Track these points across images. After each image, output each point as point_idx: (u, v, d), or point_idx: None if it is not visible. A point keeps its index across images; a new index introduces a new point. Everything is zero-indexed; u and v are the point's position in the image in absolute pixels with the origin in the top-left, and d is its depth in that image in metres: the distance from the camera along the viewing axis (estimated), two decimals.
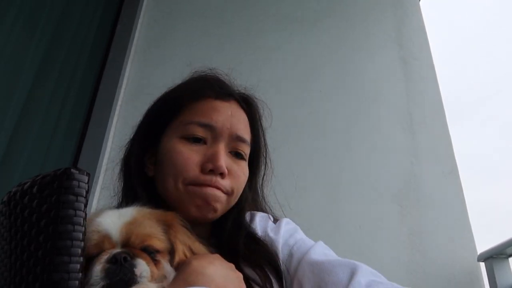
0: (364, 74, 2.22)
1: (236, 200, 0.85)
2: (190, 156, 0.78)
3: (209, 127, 0.80)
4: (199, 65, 0.97)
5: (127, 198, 0.85)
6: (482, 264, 1.70)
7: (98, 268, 0.57)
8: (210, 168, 0.78)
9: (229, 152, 0.84)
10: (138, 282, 0.57)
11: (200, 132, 0.80)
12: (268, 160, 0.96)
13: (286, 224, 0.91)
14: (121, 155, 0.95)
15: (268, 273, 0.79)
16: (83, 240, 0.55)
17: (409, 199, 1.86)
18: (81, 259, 0.54)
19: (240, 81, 2.27)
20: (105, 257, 0.58)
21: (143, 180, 0.84)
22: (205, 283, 0.60)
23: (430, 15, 2.52)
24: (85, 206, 0.56)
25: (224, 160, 0.79)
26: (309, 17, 2.39)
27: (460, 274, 1.69)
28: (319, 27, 2.36)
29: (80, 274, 0.54)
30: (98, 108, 2.11)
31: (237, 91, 0.93)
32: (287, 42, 2.31)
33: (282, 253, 0.82)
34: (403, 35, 2.31)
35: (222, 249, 0.79)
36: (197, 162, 0.79)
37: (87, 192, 0.57)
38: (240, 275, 0.68)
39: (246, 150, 0.87)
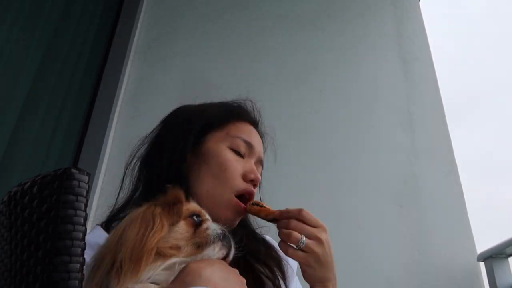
0: (364, 74, 2.22)
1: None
2: (237, 166, 0.91)
3: (250, 146, 0.95)
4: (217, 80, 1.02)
5: (147, 191, 0.90)
6: (482, 264, 1.70)
7: (216, 225, 0.72)
8: (252, 178, 0.91)
9: None
10: (231, 252, 0.72)
11: (243, 148, 0.94)
12: (259, 189, 1.05)
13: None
14: (134, 152, 0.98)
15: (280, 279, 0.86)
16: (83, 240, 0.55)
17: (409, 199, 1.86)
18: (81, 259, 0.54)
19: (241, 80, 2.29)
20: (214, 224, 0.73)
21: (175, 176, 0.89)
22: (202, 284, 0.60)
23: (430, 15, 2.52)
24: (85, 206, 0.56)
25: (258, 174, 0.94)
26: (309, 17, 2.39)
27: (460, 273, 1.69)
28: (319, 27, 2.36)
29: (80, 274, 0.54)
30: (98, 108, 2.11)
31: (260, 126, 1.07)
32: (287, 42, 2.31)
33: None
34: (403, 35, 2.31)
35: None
36: (240, 171, 0.91)
37: (87, 192, 0.57)
38: (244, 280, 0.68)
39: (261, 173, 1.00)
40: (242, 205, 0.89)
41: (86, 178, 0.57)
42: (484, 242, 1.74)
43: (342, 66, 2.24)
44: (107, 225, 0.87)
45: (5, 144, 1.60)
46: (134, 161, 0.98)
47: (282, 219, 0.84)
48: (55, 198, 0.55)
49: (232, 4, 2.45)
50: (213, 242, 0.69)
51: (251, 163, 0.93)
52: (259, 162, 0.98)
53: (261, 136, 1.04)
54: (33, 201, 0.57)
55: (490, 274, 1.63)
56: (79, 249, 0.54)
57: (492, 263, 1.62)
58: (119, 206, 0.94)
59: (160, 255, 0.62)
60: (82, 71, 2.11)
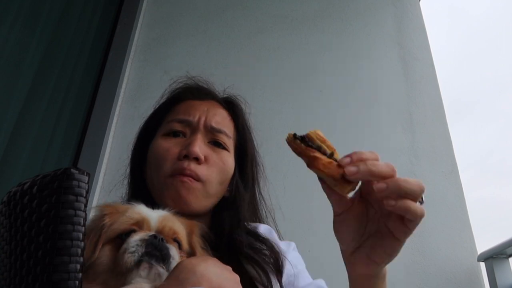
0: (364, 74, 2.22)
1: (214, 190, 0.87)
2: (169, 148, 0.85)
3: (186, 122, 0.88)
4: (196, 70, 1.03)
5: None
6: (482, 264, 1.70)
7: (138, 238, 0.61)
8: (185, 154, 0.83)
9: (208, 142, 0.89)
10: (170, 262, 0.62)
11: (179, 127, 0.88)
12: (260, 162, 1.01)
13: (294, 250, 0.99)
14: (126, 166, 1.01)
15: (270, 273, 0.82)
16: (83, 240, 0.55)
17: None
18: (81, 259, 0.54)
19: (241, 81, 2.28)
20: (144, 233, 0.62)
21: (139, 180, 0.92)
22: (195, 281, 0.59)
23: (430, 15, 2.52)
24: (85, 206, 0.56)
25: (199, 147, 0.85)
26: (309, 17, 2.39)
27: (460, 274, 1.69)
28: (319, 27, 2.36)
29: (80, 274, 0.53)
30: (98, 108, 2.11)
31: (216, 93, 1.02)
32: (287, 42, 2.31)
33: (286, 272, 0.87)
34: (403, 35, 2.31)
35: (221, 248, 0.81)
36: (176, 152, 0.85)
37: (87, 192, 0.57)
38: (237, 277, 0.66)
39: (225, 140, 0.91)
40: (178, 176, 0.82)
41: (86, 178, 0.57)
42: (484, 242, 1.74)
43: (342, 66, 2.24)
44: None
45: (5, 144, 1.59)
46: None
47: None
48: (55, 198, 0.54)
49: (232, 4, 2.45)
50: (135, 266, 0.59)
51: (192, 138, 0.86)
52: (212, 130, 0.89)
53: (222, 103, 0.98)
54: (33, 201, 0.56)
55: (490, 274, 1.63)
56: (79, 249, 0.54)
57: (493, 263, 1.62)
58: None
59: None
60: (82, 71, 2.11)
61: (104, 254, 0.61)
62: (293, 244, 0.99)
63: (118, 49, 2.28)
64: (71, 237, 0.53)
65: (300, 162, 2.13)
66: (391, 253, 0.58)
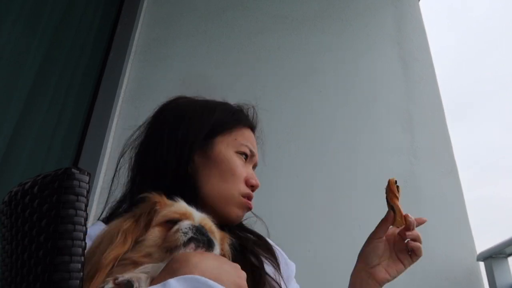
0: (363, 74, 2.22)
1: None
2: (242, 171, 0.96)
3: (252, 153, 1.00)
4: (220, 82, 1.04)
5: (145, 184, 0.88)
6: (482, 264, 1.70)
7: (188, 223, 0.68)
8: (252, 184, 0.97)
9: None
10: (214, 249, 0.69)
11: (248, 153, 0.99)
12: None
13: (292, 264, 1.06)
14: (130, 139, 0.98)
15: (276, 269, 0.90)
16: (84, 239, 0.55)
17: (409, 199, 1.86)
18: (82, 258, 0.54)
19: (241, 81, 2.29)
20: (191, 222, 0.69)
21: (181, 177, 0.91)
22: (187, 271, 0.59)
23: (430, 15, 2.52)
24: (86, 206, 0.56)
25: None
26: (309, 17, 2.40)
27: (460, 273, 1.69)
28: (319, 28, 2.36)
29: (81, 273, 0.54)
30: (98, 108, 2.11)
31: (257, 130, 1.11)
32: (287, 42, 2.31)
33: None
34: (402, 35, 2.31)
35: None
36: (244, 176, 0.97)
37: (88, 192, 0.57)
38: (243, 274, 0.68)
39: None
40: (250, 203, 0.95)
41: (86, 178, 0.57)
42: (483, 242, 1.74)
43: (341, 66, 2.24)
44: (108, 219, 0.88)
45: (5, 144, 1.60)
46: (129, 152, 0.98)
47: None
48: (55, 198, 0.55)
49: (232, 4, 2.45)
50: (183, 245, 0.66)
51: (250, 168, 1.00)
52: (255, 167, 1.04)
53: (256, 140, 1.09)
54: (34, 201, 0.57)
55: (489, 274, 1.63)
56: (80, 249, 0.54)
57: (492, 263, 1.63)
58: (117, 200, 0.94)
59: (136, 264, 0.63)
60: (83, 71, 2.11)
61: (153, 233, 0.67)
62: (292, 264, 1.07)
63: (118, 49, 2.28)
64: (72, 237, 0.54)
65: (300, 162, 2.13)
66: (399, 272, 0.97)
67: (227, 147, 0.96)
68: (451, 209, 1.84)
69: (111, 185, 0.98)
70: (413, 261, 0.96)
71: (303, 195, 1.88)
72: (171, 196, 0.77)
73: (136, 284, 0.58)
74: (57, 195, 0.55)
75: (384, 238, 0.96)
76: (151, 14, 2.46)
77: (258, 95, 2.13)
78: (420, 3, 2.49)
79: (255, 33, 2.34)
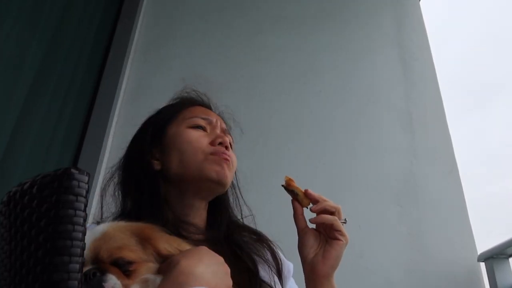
0: (363, 74, 2.22)
1: (232, 178, 0.98)
2: (200, 136, 0.94)
3: (208, 120, 0.98)
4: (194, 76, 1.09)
5: (134, 201, 0.92)
6: (483, 264, 1.70)
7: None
8: (219, 141, 0.93)
9: None
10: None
11: (202, 123, 0.97)
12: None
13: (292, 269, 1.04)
14: (116, 166, 1.02)
15: (272, 270, 0.89)
16: (83, 240, 0.55)
17: (409, 199, 1.86)
18: (81, 259, 0.54)
19: (241, 81, 2.29)
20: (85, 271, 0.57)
21: (153, 177, 0.92)
22: (196, 284, 0.59)
23: (430, 15, 2.52)
24: (85, 206, 0.56)
25: (226, 137, 0.96)
26: (309, 18, 2.40)
27: (460, 274, 1.69)
28: (319, 28, 2.36)
29: (80, 274, 0.53)
30: (98, 108, 2.11)
31: (214, 108, 1.10)
32: (287, 43, 2.31)
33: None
34: (402, 35, 2.31)
35: (219, 243, 0.85)
36: (206, 141, 0.93)
37: (87, 192, 0.57)
38: (228, 270, 0.68)
39: (231, 141, 1.01)
40: (223, 154, 0.91)
41: (86, 178, 0.57)
42: (484, 242, 1.74)
43: (341, 66, 2.24)
44: None
45: (5, 144, 1.60)
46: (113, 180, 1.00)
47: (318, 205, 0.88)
48: (55, 198, 0.54)
49: (232, 4, 2.45)
50: None
51: (216, 132, 0.97)
52: (225, 131, 1.00)
53: (220, 116, 1.07)
54: (33, 201, 0.56)
55: (490, 274, 1.63)
56: (79, 249, 0.54)
57: (493, 264, 1.62)
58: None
59: None
60: (82, 71, 2.11)
61: None
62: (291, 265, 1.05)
63: (118, 49, 2.28)
64: (71, 237, 0.53)
65: (300, 163, 2.14)
66: (337, 250, 0.85)
67: (177, 128, 0.96)
68: (451, 209, 1.84)
69: (101, 208, 0.98)
70: (337, 231, 0.86)
71: None
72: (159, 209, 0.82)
73: None
74: (56, 195, 0.55)
75: (308, 227, 0.89)
76: (151, 14, 2.46)
77: (257, 95, 2.13)
78: (421, 2, 2.49)
79: (255, 33, 2.35)
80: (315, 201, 0.88)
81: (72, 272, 0.52)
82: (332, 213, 0.86)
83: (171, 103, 1.08)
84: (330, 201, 0.88)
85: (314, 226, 0.90)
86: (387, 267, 1.72)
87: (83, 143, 2.01)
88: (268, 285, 0.86)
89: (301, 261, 0.89)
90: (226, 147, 0.94)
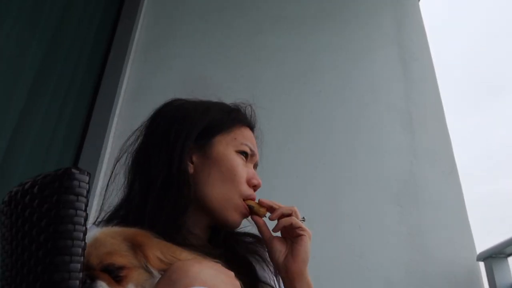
0: (363, 74, 2.22)
1: None
2: (244, 170, 0.94)
3: (253, 152, 0.98)
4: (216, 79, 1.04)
5: (143, 191, 0.88)
6: (482, 264, 1.70)
7: None
8: (255, 184, 0.95)
9: None
10: None
11: (248, 152, 0.97)
12: None
13: None
14: (123, 148, 0.97)
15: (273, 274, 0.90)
16: (83, 239, 0.55)
17: (409, 199, 1.86)
18: (82, 258, 0.54)
19: (241, 81, 2.29)
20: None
21: (185, 178, 0.89)
22: (187, 282, 0.57)
23: (430, 15, 2.52)
24: (86, 206, 0.56)
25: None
26: (309, 18, 2.40)
27: (460, 273, 1.69)
28: (319, 28, 2.36)
29: (81, 274, 0.54)
30: (98, 108, 2.11)
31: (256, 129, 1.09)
32: (287, 42, 2.31)
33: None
34: (402, 35, 2.32)
35: (223, 256, 0.80)
36: (245, 177, 0.94)
37: (88, 192, 0.57)
38: (237, 284, 0.66)
39: None
40: (252, 196, 0.92)
41: (86, 178, 0.57)
42: (483, 242, 1.74)
43: (341, 66, 2.24)
44: (106, 225, 0.87)
45: (5, 144, 1.60)
46: (126, 157, 0.96)
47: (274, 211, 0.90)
48: (55, 198, 0.55)
49: (232, 4, 2.46)
50: None
51: (251, 168, 0.97)
52: (256, 166, 1.01)
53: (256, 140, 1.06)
54: (34, 201, 0.57)
55: (489, 274, 1.63)
56: (80, 249, 0.54)
57: (492, 263, 1.63)
58: (116, 206, 0.93)
59: None
60: (83, 71, 2.11)
61: None
62: None
63: (118, 49, 2.28)
64: (72, 237, 0.54)
65: (300, 162, 2.14)
66: (304, 245, 0.85)
67: (226, 147, 0.93)
68: (451, 209, 1.84)
69: (106, 190, 0.95)
70: (300, 228, 0.85)
71: (303, 195, 1.88)
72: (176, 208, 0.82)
73: None
74: (57, 195, 0.55)
75: (273, 235, 0.89)
76: (151, 14, 2.46)
77: (257, 95, 2.13)
78: (420, 3, 2.49)
79: (255, 33, 2.35)
80: (270, 208, 0.89)
81: (73, 272, 0.53)
82: (289, 215, 0.87)
83: (226, 106, 1.02)
84: (284, 206, 0.88)
85: (279, 233, 0.91)
86: (387, 267, 1.72)
87: (84, 143, 2.01)
88: (269, 285, 0.86)
89: (275, 267, 0.90)
90: (255, 190, 0.95)
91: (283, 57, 2.27)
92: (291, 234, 0.86)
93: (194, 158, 0.91)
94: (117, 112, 2.09)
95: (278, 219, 0.87)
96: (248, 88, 2.16)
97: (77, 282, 0.53)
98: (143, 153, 0.93)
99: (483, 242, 1.75)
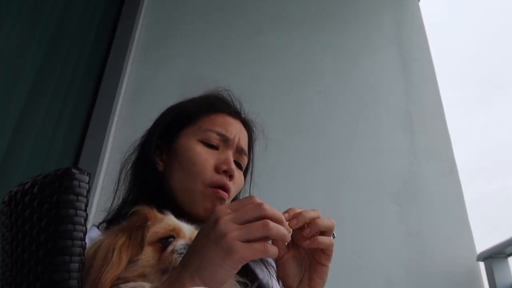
0: (363, 74, 2.22)
1: None
2: (207, 158, 0.89)
3: (224, 137, 0.92)
4: (213, 81, 1.06)
5: (138, 194, 0.91)
6: (482, 264, 1.70)
7: (182, 243, 0.66)
8: (224, 169, 0.89)
9: (234, 160, 0.94)
10: None
11: (216, 140, 0.92)
12: (251, 179, 1.06)
13: None
14: (125, 156, 0.99)
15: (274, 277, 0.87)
16: (83, 239, 0.55)
17: (409, 199, 1.86)
18: (82, 258, 0.54)
19: (241, 81, 2.29)
20: (185, 240, 0.67)
21: (156, 176, 0.91)
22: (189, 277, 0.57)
23: (430, 15, 2.52)
24: (86, 206, 0.56)
25: (233, 165, 0.91)
26: (309, 18, 2.40)
27: (460, 273, 1.69)
28: (319, 28, 2.36)
29: (81, 273, 0.54)
30: (98, 108, 2.11)
31: (242, 114, 1.04)
32: (287, 42, 2.31)
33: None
34: (402, 36, 2.32)
35: None
36: (212, 164, 0.89)
37: (88, 192, 0.57)
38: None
39: (245, 162, 0.98)
40: (221, 192, 0.87)
41: (86, 178, 0.57)
42: (483, 242, 1.74)
43: (341, 66, 2.24)
44: (108, 224, 0.87)
45: (6, 144, 1.60)
46: (129, 164, 0.98)
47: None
48: (55, 198, 0.55)
49: (232, 4, 2.46)
50: None
51: (227, 154, 0.91)
52: (240, 151, 0.95)
53: (246, 124, 1.02)
54: (34, 201, 0.57)
55: (489, 274, 1.63)
56: (80, 249, 0.54)
57: (492, 263, 1.63)
58: (118, 205, 0.94)
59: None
60: (83, 71, 2.11)
61: (146, 253, 0.65)
62: None
63: (118, 49, 2.29)
64: (72, 237, 0.54)
65: (300, 162, 2.13)
66: (323, 277, 0.72)
67: (188, 138, 0.91)
68: (451, 209, 1.84)
69: (114, 194, 0.96)
70: (328, 255, 0.68)
71: (303, 195, 1.88)
72: (159, 207, 0.75)
73: None
74: (57, 195, 0.55)
75: (285, 255, 0.71)
76: (151, 14, 2.46)
77: (257, 95, 2.13)
78: (420, 3, 2.49)
79: (255, 33, 2.35)
80: (306, 220, 0.69)
81: (73, 272, 0.53)
82: (329, 231, 0.68)
83: (196, 99, 1.01)
84: (322, 218, 0.70)
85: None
86: (387, 267, 1.72)
87: (84, 143, 2.01)
88: (268, 286, 0.85)
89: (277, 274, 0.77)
90: (231, 176, 0.89)
91: (283, 57, 2.27)
92: (316, 257, 0.69)
93: (164, 156, 0.94)
94: (117, 112, 2.09)
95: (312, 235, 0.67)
96: (248, 88, 2.16)
97: (77, 282, 0.53)
98: (136, 157, 0.97)
99: (483, 242, 1.75)
